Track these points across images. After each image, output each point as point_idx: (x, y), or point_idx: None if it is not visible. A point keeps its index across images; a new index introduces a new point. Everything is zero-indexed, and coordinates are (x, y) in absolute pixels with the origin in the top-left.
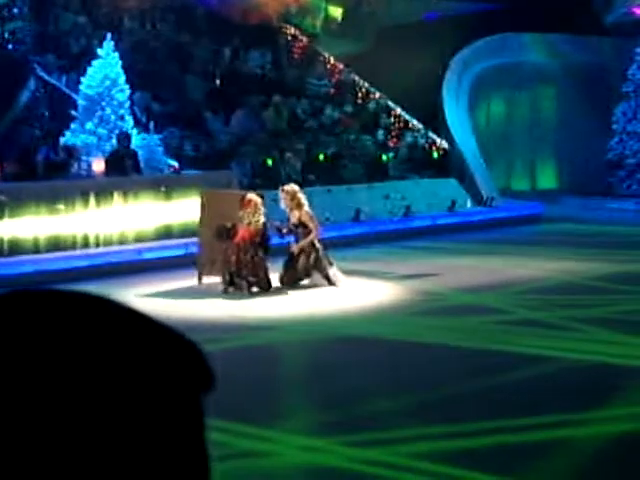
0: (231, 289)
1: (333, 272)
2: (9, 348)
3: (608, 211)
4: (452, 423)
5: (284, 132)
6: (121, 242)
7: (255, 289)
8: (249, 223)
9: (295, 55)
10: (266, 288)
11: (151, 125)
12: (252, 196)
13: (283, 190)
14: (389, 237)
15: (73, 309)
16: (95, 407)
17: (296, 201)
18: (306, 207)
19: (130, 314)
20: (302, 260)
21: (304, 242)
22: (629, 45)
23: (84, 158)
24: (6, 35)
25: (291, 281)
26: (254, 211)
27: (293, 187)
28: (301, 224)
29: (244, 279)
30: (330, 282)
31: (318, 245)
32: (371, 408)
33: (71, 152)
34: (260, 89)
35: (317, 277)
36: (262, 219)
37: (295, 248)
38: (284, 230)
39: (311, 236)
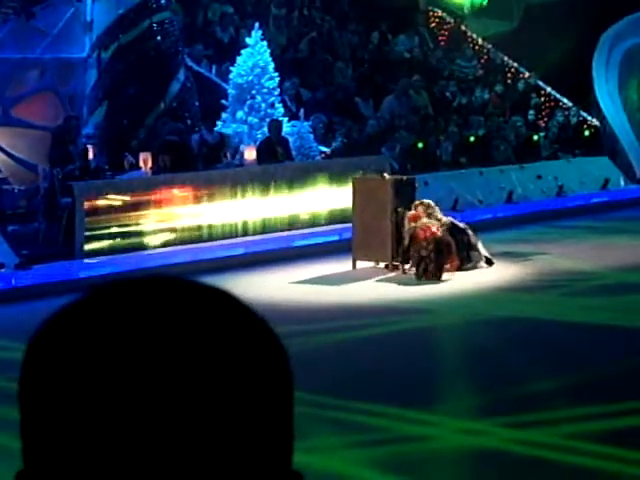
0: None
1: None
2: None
3: None
4: (614, 403)
5: (433, 115)
6: (275, 230)
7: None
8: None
9: (442, 37)
10: (437, 277)
11: (301, 112)
12: (418, 207)
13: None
14: (542, 217)
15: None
16: (216, 384)
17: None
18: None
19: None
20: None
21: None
22: None
23: (236, 147)
24: (154, 26)
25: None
26: (428, 217)
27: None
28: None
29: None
30: (488, 260)
31: (464, 226)
32: (529, 389)
33: (224, 139)
34: (409, 73)
35: (475, 256)
36: (440, 218)
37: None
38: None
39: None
